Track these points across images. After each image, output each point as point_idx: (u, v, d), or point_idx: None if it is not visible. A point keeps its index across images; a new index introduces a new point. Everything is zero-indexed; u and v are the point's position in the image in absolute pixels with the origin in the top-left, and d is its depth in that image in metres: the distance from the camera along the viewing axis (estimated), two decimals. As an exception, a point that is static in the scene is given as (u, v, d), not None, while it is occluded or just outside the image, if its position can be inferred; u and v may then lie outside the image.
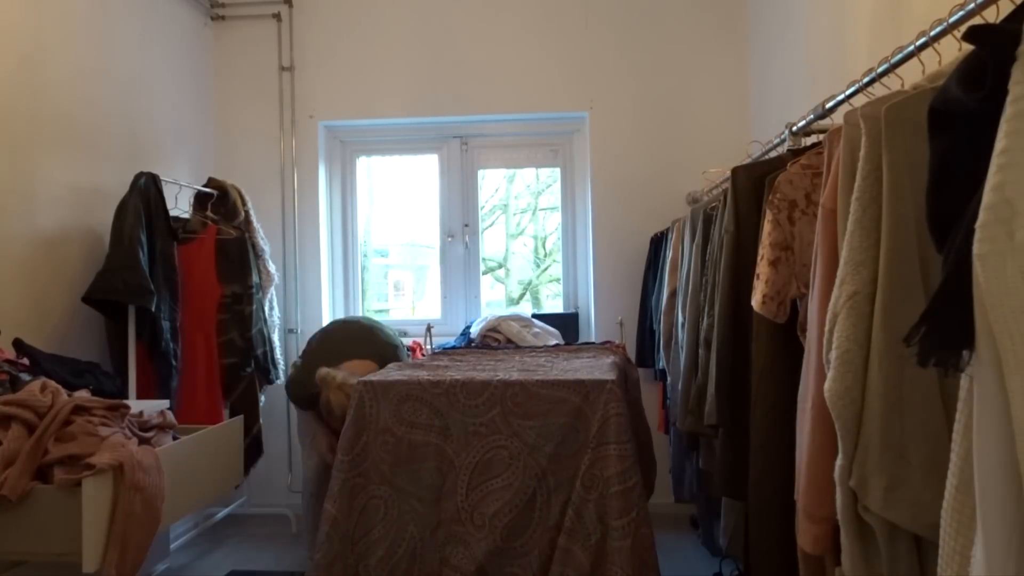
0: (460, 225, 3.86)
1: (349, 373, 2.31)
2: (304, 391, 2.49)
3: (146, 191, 2.70)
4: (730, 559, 2.48)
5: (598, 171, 3.64)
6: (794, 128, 1.87)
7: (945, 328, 0.71)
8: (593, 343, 3.02)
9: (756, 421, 1.60)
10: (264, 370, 3.20)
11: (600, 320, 3.63)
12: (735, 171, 1.87)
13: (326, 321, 3.75)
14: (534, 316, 3.38)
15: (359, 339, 2.63)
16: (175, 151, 3.38)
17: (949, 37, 1.14)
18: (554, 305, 4.06)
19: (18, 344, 2.21)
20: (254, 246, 3.21)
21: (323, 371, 2.33)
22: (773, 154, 2.09)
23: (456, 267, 3.86)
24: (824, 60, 2.55)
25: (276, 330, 3.37)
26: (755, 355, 1.63)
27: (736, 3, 3.59)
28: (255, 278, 3.14)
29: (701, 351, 2.17)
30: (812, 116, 1.74)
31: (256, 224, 3.30)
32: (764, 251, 1.58)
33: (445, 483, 1.91)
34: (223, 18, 3.75)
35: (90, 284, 2.53)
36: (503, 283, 4.47)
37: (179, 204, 3.03)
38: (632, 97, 3.63)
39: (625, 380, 2.23)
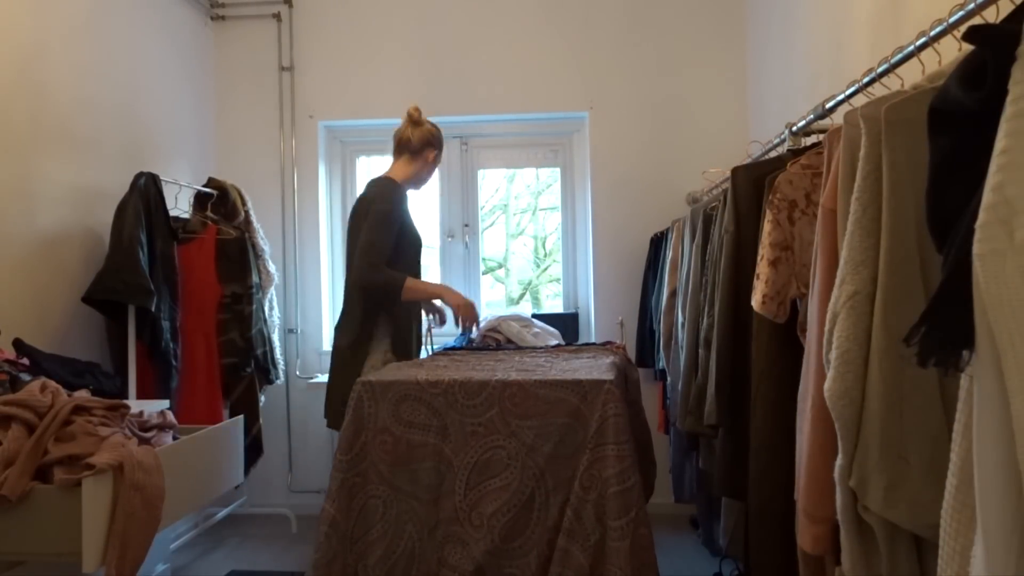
0: (460, 225, 3.86)
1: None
2: None
3: (146, 191, 2.70)
4: (730, 559, 2.48)
5: (598, 171, 3.64)
6: (794, 128, 1.87)
7: (945, 328, 0.71)
8: (593, 343, 3.02)
9: (756, 421, 1.60)
10: (264, 370, 3.20)
11: (600, 320, 3.63)
12: (735, 171, 1.87)
13: (326, 321, 3.76)
14: (534, 316, 3.38)
15: None
16: (175, 151, 3.38)
17: (949, 37, 1.14)
18: (554, 305, 4.06)
19: (18, 344, 2.21)
20: (254, 246, 3.21)
21: None
22: (773, 154, 2.09)
23: (456, 267, 3.86)
24: (824, 60, 2.55)
25: (276, 330, 3.37)
26: (755, 355, 1.63)
27: (736, 3, 3.59)
28: (255, 278, 3.14)
29: (701, 351, 2.17)
30: (812, 116, 1.74)
31: (256, 224, 3.30)
32: (764, 251, 1.58)
33: (443, 483, 1.91)
34: (223, 18, 3.75)
35: (90, 284, 2.53)
36: (503, 283, 4.47)
37: (179, 204, 3.03)
38: (632, 97, 3.63)
39: (625, 380, 2.23)
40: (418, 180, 2.66)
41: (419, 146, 2.58)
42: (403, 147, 2.60)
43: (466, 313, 2.47)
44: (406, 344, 2.47)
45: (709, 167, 3.29)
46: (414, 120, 2.61)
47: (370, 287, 2.33)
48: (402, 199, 2.48)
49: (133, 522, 1.65)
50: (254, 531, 3.42)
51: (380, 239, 2.32)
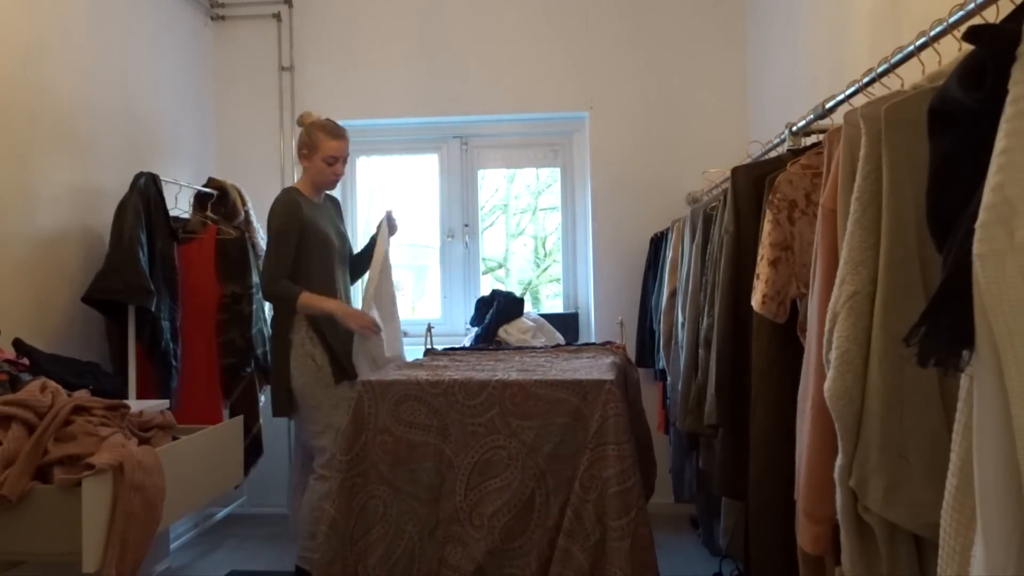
0: (460, 225, 3.86)
1: None
2: None
3: (146, 191, 2.70)
4: (730, 559, 2.48)
5: (598, 171, 3.63)
6: (794, 128, 1.87)
7: (945, 328, 0.71)
8: (593, 343, 3.02)
9: (756, 421, 1.60)
10: (264, 370, 3.20)
11: (600, 320, 3.62)
12: (735, 171, 1.87)
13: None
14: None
15: None
16: (175, 151, 3.38)
17: (949, 37, 1.14)
18: (554, 305, 4.05)
19: (18, 344, 2.21)
20: (254, 246, 3.20)
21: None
22: (773, 154, 2.09)
23: (456, 267, 3.86)
24: (824, 60, 2.55)
25: (276, 330, 3.36)
26: (755, 355, 1.63)
27: (736, 3, 3.59)
28: (255, 278, 3.13)
29: (701, 351, 2.17)
30: (812, 116, 1.74)
31: (256, 224, 3.29)
32: (764, 251, 1.58)
33: (444, 483, 1.92)
34: (223, 18, 3.75)
35: (90, 284, 2.53)
36: (503, 283, 4.47)
37: (179, 204, 3.03)
38: (632, 97, 3.63)
39: (625, 380, 2.23)
40: (318, 184, 2.69)
41: (299, 150, 2.68)
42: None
43: (358, 323, 2.55)
44: (331, 328, 2.58)
45: (709, 167, 3.28)
46: (298, 124, 2.69)
47: (272, 299, 2.61)
48: (296, 208, 2.57)
49: (133, 522, 1.65)
50: (254, 531, 3.42)
51: (276, 254, 2.53)
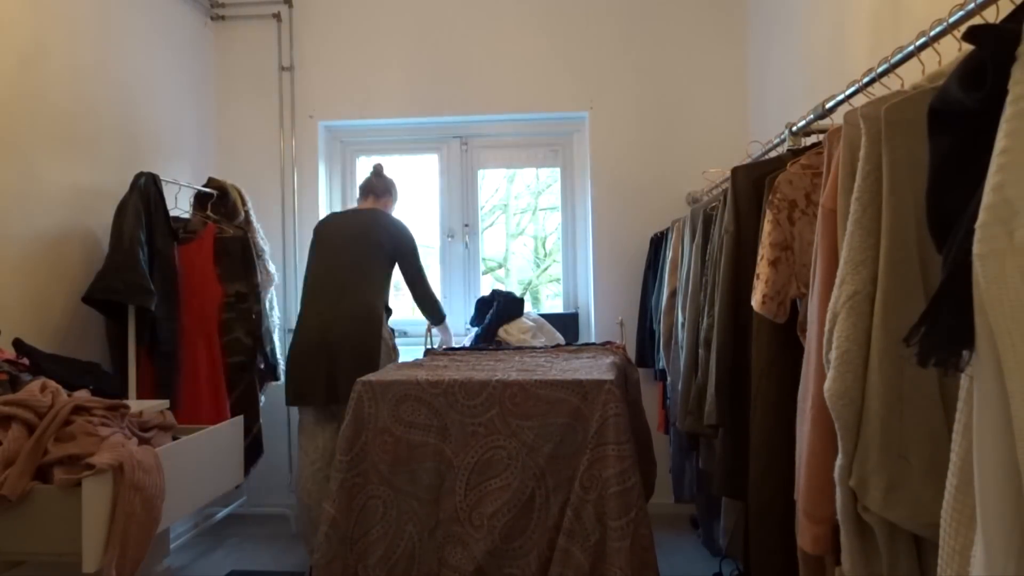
0: (460, 225, 3.86)
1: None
2: None
3: (146, 191, 2.70)
4: (730, 559, 2.48)
5: (598, 171, 3.64)
6: (794, 128, 1.87)
7: (945, 328, 0.71)
8: (593, 343, 3.02)
9: (756, 421, 1.60)
10: (272, 367, 3.22)
11: (600, 320, 3.63)
12: (735, 171, 1.87)
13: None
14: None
15: None
16: (175, 151, 3.38)
17: (949, 37, 1.14)
18: (554, 305, 4.06)
19: (18, 344, 2.21)
20: (254, 246, 3.20)
21: None
22: (773, 154, 2.09)
23: (456, 267, 3.86)
24: (824, 60, 2.55)
25: (276, 330, 3.36)
26: (755, 355, 1.63)
27: (736, 3, 3.59)
28: (259, 276, 3.13)
29: (701, 351, 2.17)
30: (812, 116, 1.74)
31: (256, 224, 3.29)
32: (764, 251, 1.58)
33: (444, 483, 1.91)
34: (223, 18, 3.75)
35: (90, 284, 2.53)
36: (503, 283, 4.47)
37: (179, 204, 3.03)
38: (632, 97, 3.63)
39: (625, 380, 2.23)
40: None
41: (381, 191, 3.14)
42: (369, 191, 3.14)
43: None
44: None
45: (709, 167, 3.29)
46: (377, 173, 3.18)
47: (434, 306, 3.08)
48: None
49: (133, 522, 1.65)
50: (254, 531, 3.42)
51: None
